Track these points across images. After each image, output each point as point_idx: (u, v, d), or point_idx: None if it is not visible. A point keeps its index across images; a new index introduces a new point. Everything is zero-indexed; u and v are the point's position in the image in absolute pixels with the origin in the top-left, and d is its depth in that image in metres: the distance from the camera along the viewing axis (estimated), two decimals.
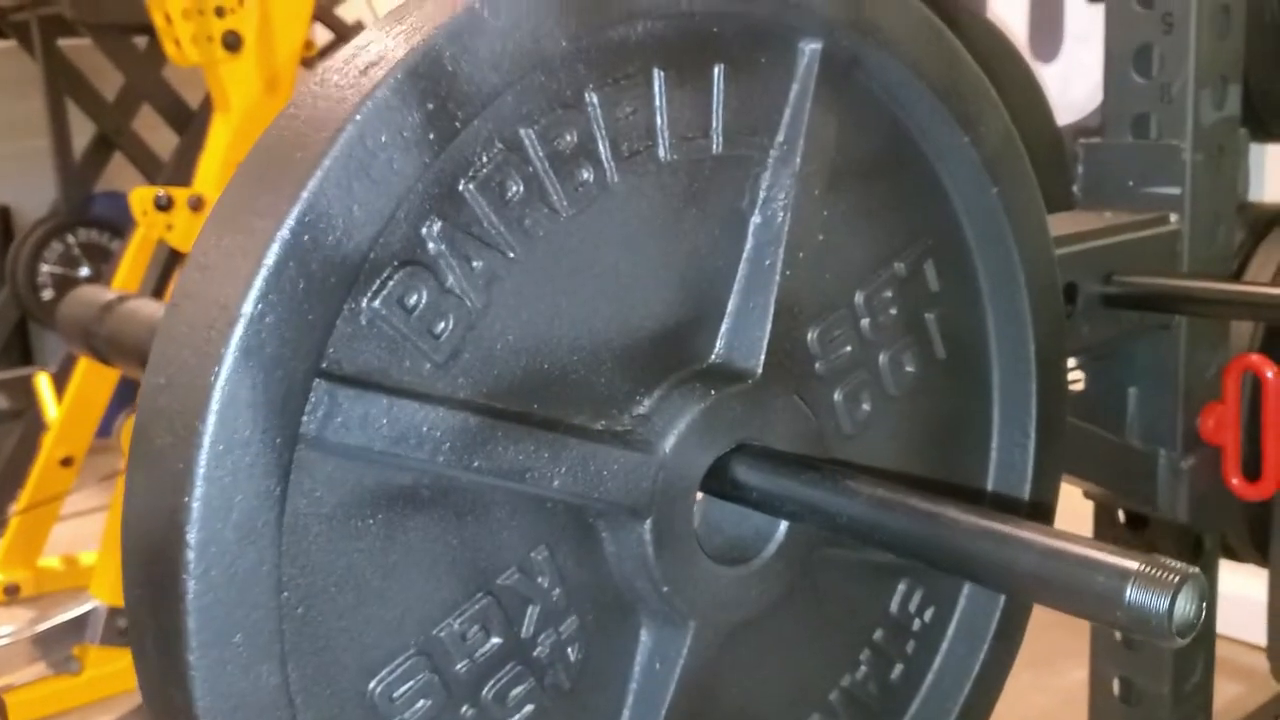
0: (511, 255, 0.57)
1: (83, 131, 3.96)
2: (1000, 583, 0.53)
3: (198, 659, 0.48)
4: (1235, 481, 1.22)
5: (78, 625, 2.37)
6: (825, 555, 0.73)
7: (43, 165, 3.98)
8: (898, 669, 0.79)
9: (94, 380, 2.74)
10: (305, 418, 0.51)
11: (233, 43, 2.25)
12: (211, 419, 0.47)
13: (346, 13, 3.69)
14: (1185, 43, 1.16)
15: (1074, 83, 2.46)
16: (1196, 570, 0.47)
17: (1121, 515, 1.29)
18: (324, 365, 0.51)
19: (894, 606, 0.79)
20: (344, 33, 3.57)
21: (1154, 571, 0.48)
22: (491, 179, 0.56)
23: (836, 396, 0.73)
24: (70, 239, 3.91)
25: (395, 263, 0.53)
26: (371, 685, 0.56)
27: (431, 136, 0.51)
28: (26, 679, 2.35)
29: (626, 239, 0.62)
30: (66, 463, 2.84)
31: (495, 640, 0.60)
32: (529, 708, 0.62)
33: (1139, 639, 1.29)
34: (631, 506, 0.61)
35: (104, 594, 2.40)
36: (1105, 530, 1.30)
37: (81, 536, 3.19)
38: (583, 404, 0.61)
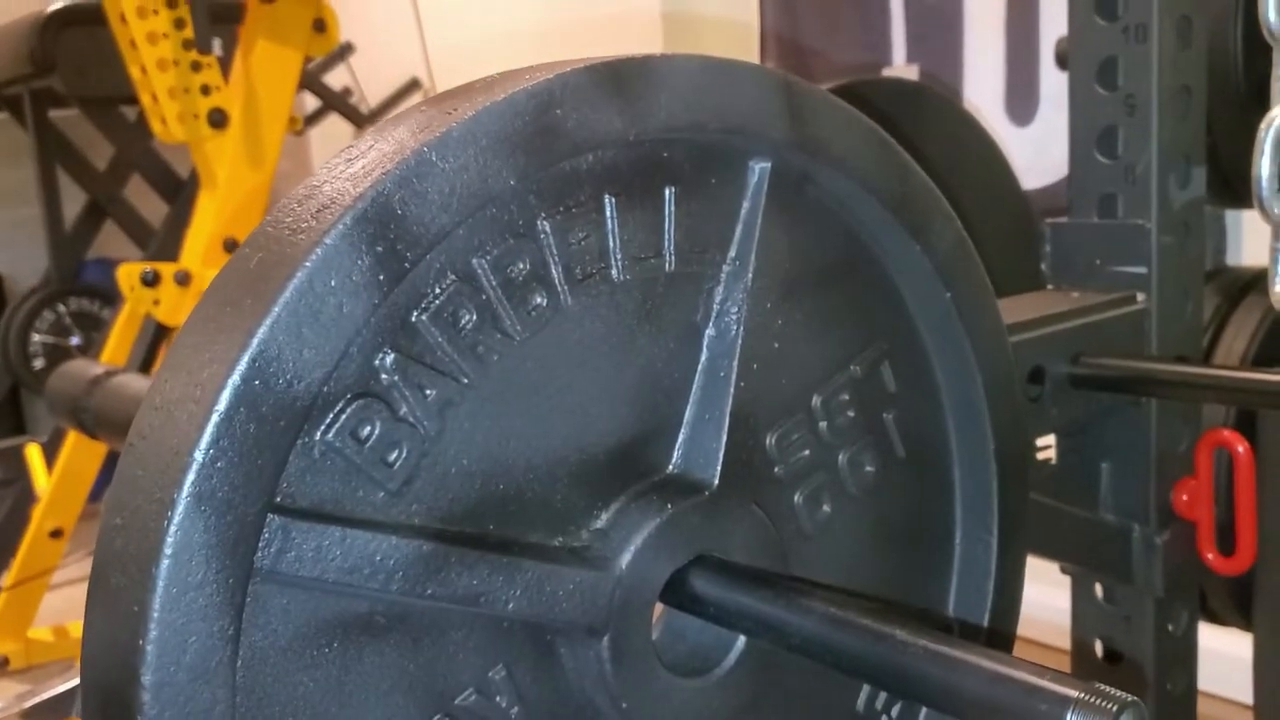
0: (465, 381, 0.58)
1: (74, 200, 3.99)
2: (946, 705, 0.54)
3: None
4: (1210, 556, 1.23)
5: (66, 700, 2.36)
6: (789, 656, 0.73)
7: (35, 234, 4.01)
8: None
9: (84, 452, 2.74)
10: (259, 553, 0.51)
11: (218, 120, 2.28)
12: (165, 564, 0.48)
13: (334, 80, 3.73)
14: (1148, 124, 1.18)
15: (1050, 145, 2.49)
16: (1135, 700, 0.48)
17: (1099, 588, 1.30)
18: (277, 500, 0.52)
19: (860, 705, 0.79)
20: (331, 100, 3.61)
21: (1094, 700, 0.48)
22: (444, 309, 0.57)
23: (796, 499, 0.74)
24: (61, 308, 3.93)
25: (348, 396, 0.54)
26: None
27: (381, 278, 0.53)
28: None
29: (580, 358, 0.63)
30: (56, 534, 2.84)
31: None
32: None
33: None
34: (589, 625, 0.62)
35: None
36: (1082, 601, 1.31)
37: (73, 605, 3.18)
38: (538, 522, 0.62)
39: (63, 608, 3.17)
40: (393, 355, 0.56)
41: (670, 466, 0.68)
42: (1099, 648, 1.31)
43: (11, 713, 2.44)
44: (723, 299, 0.68)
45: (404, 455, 0.57)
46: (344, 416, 0.54)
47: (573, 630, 0.62)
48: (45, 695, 2.38)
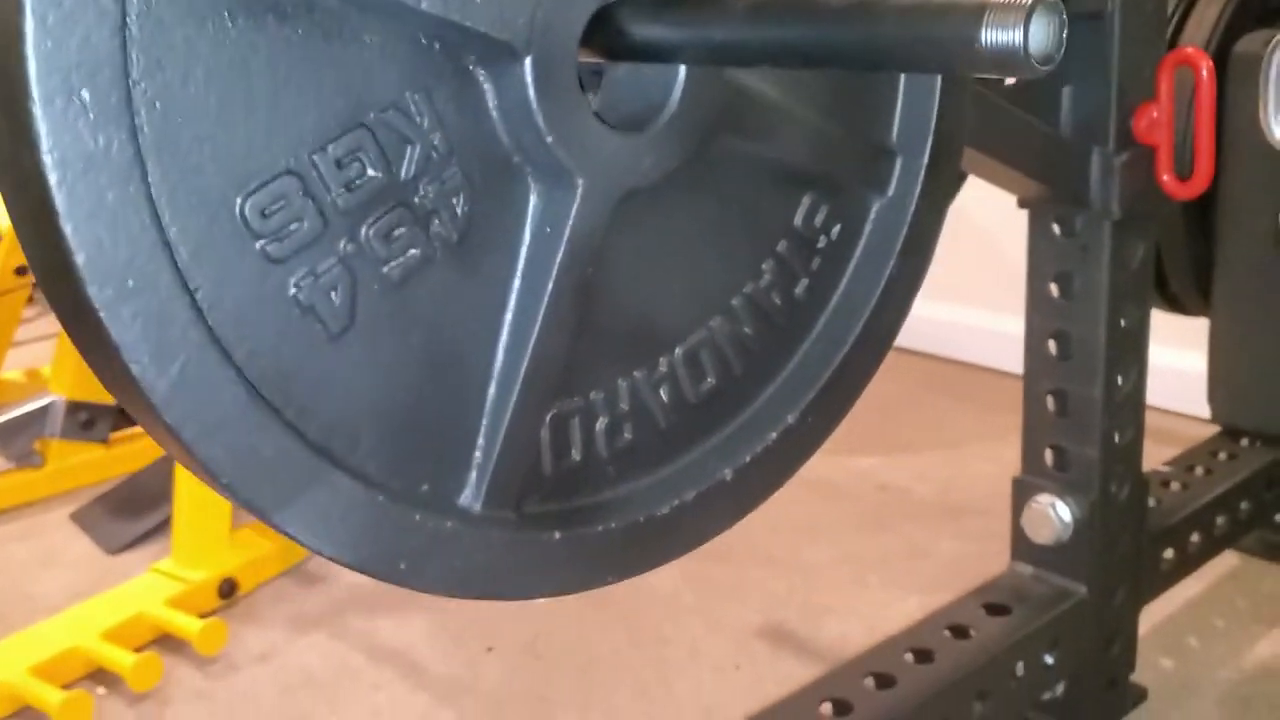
0: None
1: None
2: (867, 59, 0.52)
3: (42, 110, 0.47)
4: (1166, 179, 1.22)
5: (37, 419, 2.37)
6: (726, 150, 0.72)
7: None
8: (803, 284, 0.80)
9: None
10: None
11: None
12: None
13: None
14: None
15: None
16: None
17: (1056, 227, 1.28)
18: None
19: (799, 220, 0.79)
20: None
21: (1005, 4, 0.47)
22: None
23: None
24: None
25: None
26: (240, 200, 0.55)
27: None
28: None
29: None
30: (21, 271, 2.81)
31: (372, 173, 0.59)
32: (413, 252, 0.61)
33: (1073, 350, 1.30)
34: (508, 41, 0.60)
35: (63, 388, 2.40)
36: (1039, 237, 1.29)
37: (41, 359, 3.18)
38: None
39: (32, 362, 3.16)
40: None
41: None
42: (1054, 289, 1.31)
43: None
44: None
45: None
46: None
47: (493, 51, 0.60)
48: (14, 414, 2.39)
